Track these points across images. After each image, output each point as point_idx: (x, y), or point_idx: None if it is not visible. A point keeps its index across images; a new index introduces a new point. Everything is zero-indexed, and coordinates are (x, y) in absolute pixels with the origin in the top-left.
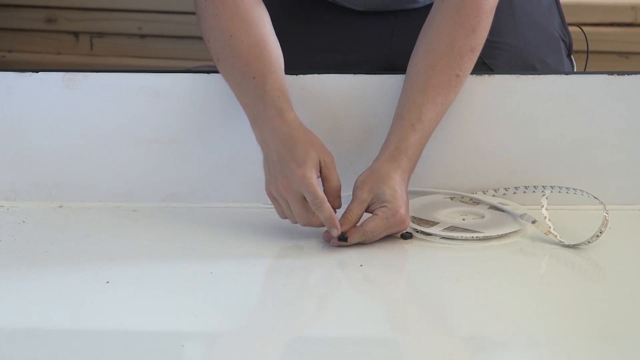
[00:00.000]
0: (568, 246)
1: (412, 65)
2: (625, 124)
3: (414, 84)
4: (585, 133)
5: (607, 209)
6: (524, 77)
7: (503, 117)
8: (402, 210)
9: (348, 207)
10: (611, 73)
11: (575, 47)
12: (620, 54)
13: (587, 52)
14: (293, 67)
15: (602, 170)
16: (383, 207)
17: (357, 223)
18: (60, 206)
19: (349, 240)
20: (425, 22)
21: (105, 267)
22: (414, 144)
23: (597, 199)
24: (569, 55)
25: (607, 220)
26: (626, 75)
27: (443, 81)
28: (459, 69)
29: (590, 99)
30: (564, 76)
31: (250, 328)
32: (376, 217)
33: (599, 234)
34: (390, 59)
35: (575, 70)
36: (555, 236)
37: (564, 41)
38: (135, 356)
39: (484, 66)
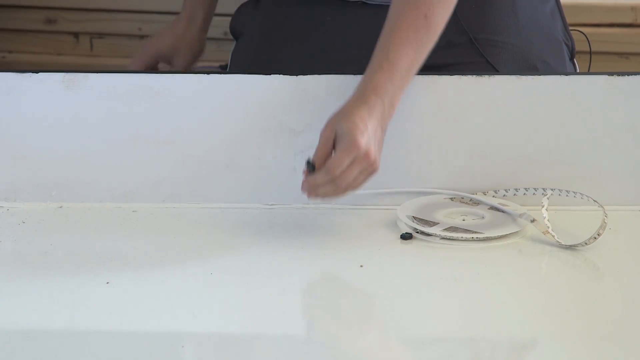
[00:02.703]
0: (565, 247)
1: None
2: (626, 125)
3: (383, 30)
4: (585, 133)
5: (606, 212)
6: (524, 77)
7: (503, 117)
8: (362, 140)
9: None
10: (611, 74)
11: (576, 48)
12: (620, 54)
13: (590, 53)
14: (294, 66)
15: (602, 171)
16: (341, 139)
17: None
18: (60, 206)
19: (315, 177)
20: None
21: (105, 267)
22: (383, 82)
23: (596, 202)
24: (571, 59)
25: (605, 223)
26: (626, 76)
27: (410, 22)
28: (427, 9)
29: (591, 100)
30: (564, 77)
31: (250, 328)
32: (335, 151)
33: (596, 236)
34: None
35: None
36: (553, 236)
37: (566, 45)
38: (135, 356)
39: (487, 64)
